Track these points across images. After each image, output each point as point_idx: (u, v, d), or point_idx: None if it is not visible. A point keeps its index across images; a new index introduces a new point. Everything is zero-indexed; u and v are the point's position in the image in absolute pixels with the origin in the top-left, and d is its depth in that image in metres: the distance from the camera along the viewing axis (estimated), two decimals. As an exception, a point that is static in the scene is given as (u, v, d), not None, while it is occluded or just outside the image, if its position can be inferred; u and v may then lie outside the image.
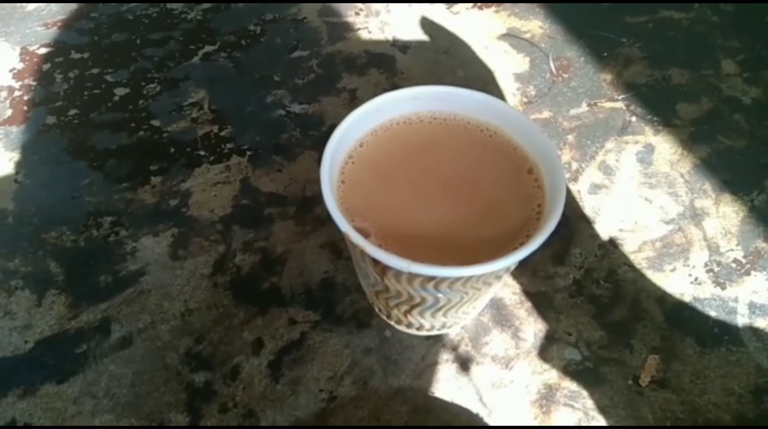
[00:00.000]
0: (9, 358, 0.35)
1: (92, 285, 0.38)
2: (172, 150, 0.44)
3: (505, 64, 0.49)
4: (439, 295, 0.28)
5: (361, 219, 0.29)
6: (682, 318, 0.36)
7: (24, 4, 0.53)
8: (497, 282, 0.30)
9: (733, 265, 0.38)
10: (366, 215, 0.29)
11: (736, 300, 0.37)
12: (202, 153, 0.44)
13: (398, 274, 0.27)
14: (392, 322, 0.36)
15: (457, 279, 0.26)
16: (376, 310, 0.36)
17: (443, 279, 0.26)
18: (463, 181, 0.30)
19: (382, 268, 0.27)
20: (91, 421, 0.33)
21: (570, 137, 0.44)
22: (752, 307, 0.37)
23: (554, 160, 0.28)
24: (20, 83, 0.48)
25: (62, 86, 0.48)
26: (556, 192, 0.27)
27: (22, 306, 0.37)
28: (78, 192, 0.42)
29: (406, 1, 0.54)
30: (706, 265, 0.38)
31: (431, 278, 0.26)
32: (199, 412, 0.34)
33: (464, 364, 0.35)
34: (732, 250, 0.39)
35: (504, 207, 0.29)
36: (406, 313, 0.32)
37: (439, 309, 0.30)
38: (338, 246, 0.39)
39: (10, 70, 0.49)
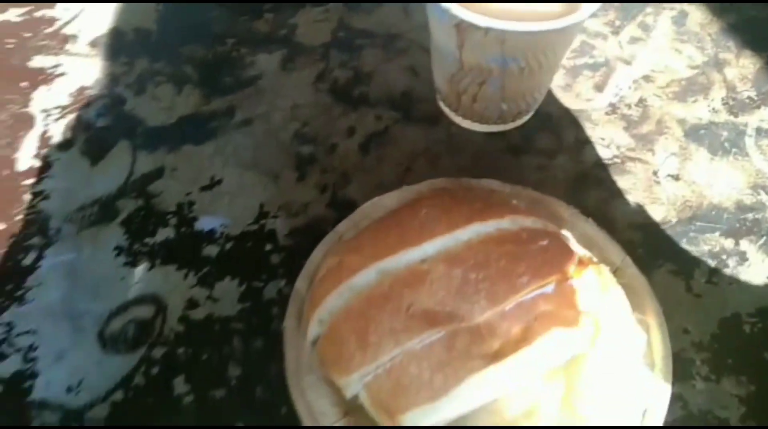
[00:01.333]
0: (158, 126, 0.45)
1: (220, 83, 0.48)
2: (282, -5, 0.53)
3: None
4: (505, 63, 0.37)
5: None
6: (699, 135, 0.44)
7: None
8: (552, 56, 0.38)
9: (747, 101, 0.46)
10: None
11: (746, 125, 0.45)
12: (306, -2, 0.53)
13: (475, 40, 0.35)
14: (459, 119, 0.44)
15: (523, 40, 0.34)
16: (447, 108, 0.45)
17: (513, 37, 0.34)
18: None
19: (462, 35, 0.36)
20: (222, 171, 0.43)
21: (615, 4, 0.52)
22: (759, 130, 0.44)
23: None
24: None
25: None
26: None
27: (166, 94, 0.47)
28: (207, 20, 0.52)
29: None
30: (723, 99, 0.46)
31: (503, 39, 0.34)
32: (305, 172, 0.43)
33: (515, 152, 0.44)
34: (747, 90, 0.46)
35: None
36: (474, 98, 0.41)
37: (502, 87, 0.39)
38: (417, 69, 0.48)
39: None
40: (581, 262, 0.31)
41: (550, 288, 0.29)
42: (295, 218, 0.41)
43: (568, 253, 0.31)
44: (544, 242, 0.31)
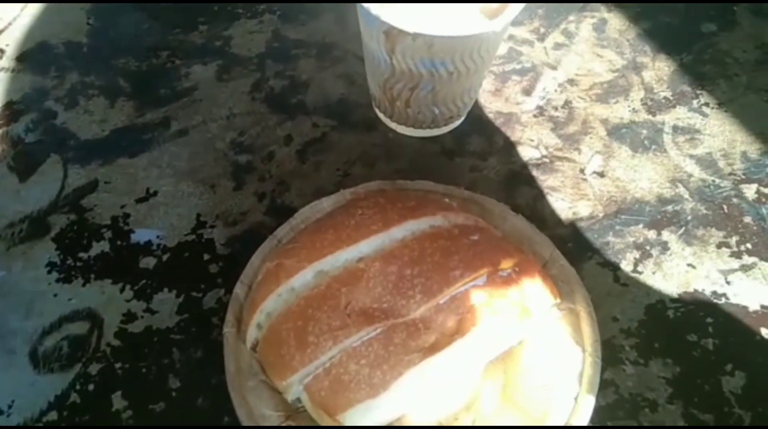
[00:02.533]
0: (90, 140, 0.45)
1: (154, 95, 0.47)
2: (216, 8, 0.53)
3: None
4: (434, 68, 0.38)
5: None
6: (621, 134, 0.47)
7: None
8: (479, 61, 0.39)
9: (663, 100, 0.49)
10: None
11: (663, 123, 0.47)
12: (240, 10, 0.53)
13: (405, 46, 0.36)
14: (394, 124, 0.45)
15: (453, 44, 0.36)
16: (382, 114, 0.46)
17: (442, 42, 0.36)
18: None
19: (392, 42, 0.37)
20: (157, 182, 0.43)
21: (540, 11, 0.54)
22: (675, 128, 0.47)
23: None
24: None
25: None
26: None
27: (99, 107, 0.47)
28: (140, 33, 0.51)
29: None
30: (641, 100, 0.49)
31: (431, 45, 0.36)
32: (243, 180, 0.43)
33: (449, 155, 0.45)
34: (663, 91, 0.49)
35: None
36: (407, 103, 0.42)
37: (432, 91, 0.40)
38: (352, 77, 0.49)
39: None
40: (510, 255, 0.33)
41: (481, 280, 0.31)
42: (233, 227, 0.41)
43: (499, 246, 0.32)
44: (475, 237, 0.32)
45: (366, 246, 0.31)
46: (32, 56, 0.49)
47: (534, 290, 0.32)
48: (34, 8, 0.53)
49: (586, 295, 0.35)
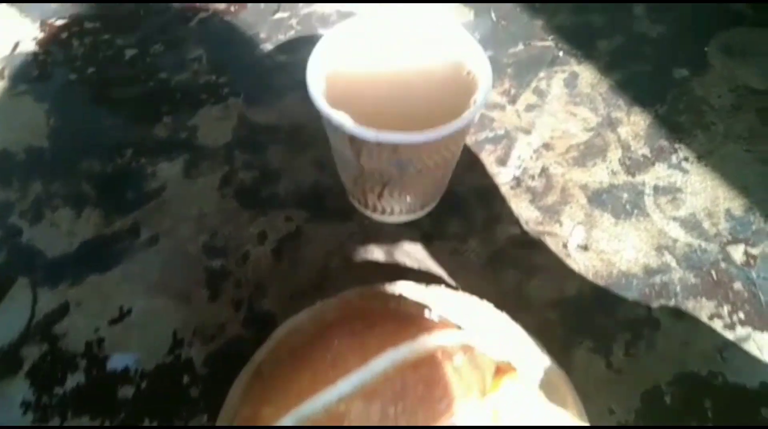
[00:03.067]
0: (59, 257, 0.43)
1: (121, 200, 0.46)
2: (179, 96, 0.52)
3: (452, 17, 0.59)
4: (406, 167, 0.37)
5: (339, 110, 0.37)
6: (601, 200, 0.46)
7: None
8: (449, 157, 0.38)
9: (641, 159, 0.48)
10: (343, 108, 0.37)
11: (643, 184, 0.46)
12: (204, 97, 0.52)
13: (370, 149, 0.35)
14: (369, 212, 0.44)
15: (417, 146, 0.35)
16: (356, 203, 0.44)
17: (406, 146, 0.35)
18: (418, 80, 0.39)
19: (358, 147, 0.36)
20: (130, 299, 0.41)
21: (509, 70, 0.53)
22: (656, 188, 0.46)
23: (483, 60, 0.37)
24: (43, 49, 0.56)
25: (79, 50, 0.56)
26: (486, 84, 0.36)
27: (65, 219, 0.45)
28: (102, 132, 0.50)
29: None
30: (620, 160, 0.48)
31: (396, 148, 0.35)
32: (218, 288, 0.42)
33: (428, 240, 0.44)
34: (640, 148, 0.48)
35: (449, 99, 0.38)
36: (379, 195, 0.41)
37: (404, 186, 0.39)
38: (323, 162, 0.48)
39: (33, 39, 0.56)
40: (499, 371, 0.32)
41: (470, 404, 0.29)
42: (210, 343, 0.39)
43: (485, 367, 0.31)
44: (459, 361, 0.31)
45: (345, 384, 0.30)
46: (-7, 167, 0.48)
47: (525, 409, 0.31)
48: (-8, 113, 0.51)
49: (577, 399, 0.34)
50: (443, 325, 0.33)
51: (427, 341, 0.32)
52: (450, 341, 0.32)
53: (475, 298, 0.37)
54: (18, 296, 0.42)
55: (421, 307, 0.36)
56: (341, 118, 0.34)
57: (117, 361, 0.39)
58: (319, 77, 0.38)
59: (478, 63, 0.38)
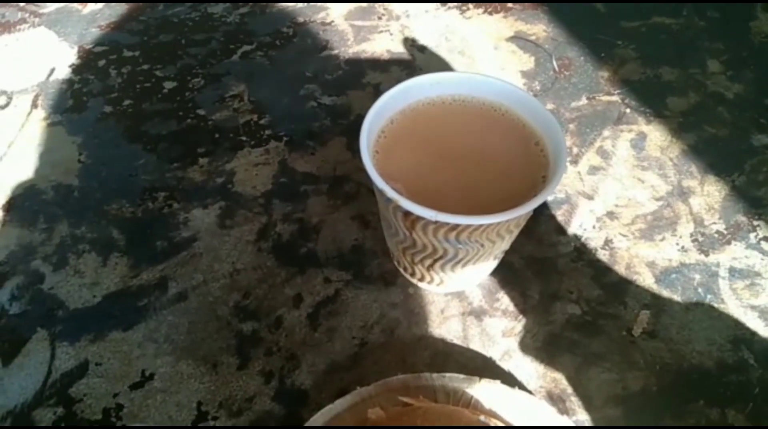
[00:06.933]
0: (81, 309, 0.41)
1: (150, 249, 0.43)
2: (217, 135, 0.49)
3: (513, 63, 0.55)
4: (459, 246, 0.33)
5: (393, 182, 0.34)
6: (670, 280, 0.41)
7: (79, 7, 0.59)
8: (509, 236, 0.35)
9: (716, 235, 0.43)
10: (398, 179, 0.34)
11: (717, 265, 0.42)
12: (243, 138, 0.49)
13: (426, 225, 0.32)
14: (415, 280, 0.41)
15: (477, 228, 0.31)
16: (401, 269, 0.41)
17: (465, 227, 0.31)
18: (479, 152, 0.36)
19: (412, 221, 0.32)
20: (154, 362, 0.38)
21: (571, 126, 0.49)
22: (732, 271, 0.42)
23: (557, 132, 0.34)
24: (79, 77, 0.53)
25: (116, 80, 0.53)
26: (559, 160, 0.33)
27: (90, 266, 0.42)
28: (134, 171, 0.47)
29: (422, 1, 0.60)
30: (691, 235, 0.43)
31: (454, 227, 0.31)
32: (248, 355, 0.39)
33: (478, 316, 0.40)
34: (715, 223, 0.44)
35: (515, 173, 0.34)
36: (429, 267, 0.37)
37: (458, 261, 0.35)
38: (366, 218, 0.44)
39: (69, 65, 0.54)
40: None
41: None
42: (237, 418, 0.36)
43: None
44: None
45: None
46: (19, 204, 0.46)
47: None
48: (24, 144, 0.49)
49: None
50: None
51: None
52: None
53: (533, 400, 0.34)
54: (36, 350, 0.39)
55: (474, 410, 0.32)
56: (395, 194, 0.31)
57: (135, 435, 0.36)
58: (372, 141, 0.35)
59: (549, 135, 0.34)
